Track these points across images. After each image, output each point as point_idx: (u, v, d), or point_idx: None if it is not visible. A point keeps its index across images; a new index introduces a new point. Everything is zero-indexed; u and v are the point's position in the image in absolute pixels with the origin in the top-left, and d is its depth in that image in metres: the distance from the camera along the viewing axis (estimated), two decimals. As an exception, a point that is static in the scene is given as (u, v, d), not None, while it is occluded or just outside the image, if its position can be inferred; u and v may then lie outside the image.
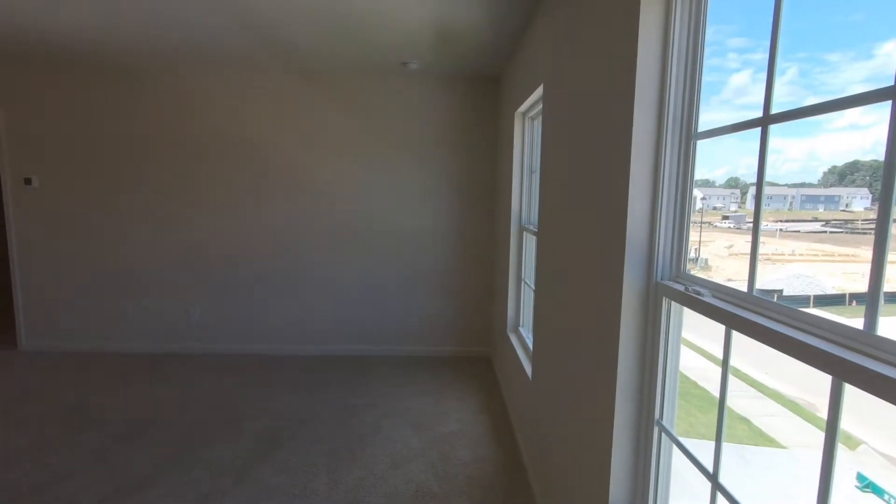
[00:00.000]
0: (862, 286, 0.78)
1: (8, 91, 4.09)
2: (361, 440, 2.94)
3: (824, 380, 0.81)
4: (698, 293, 1.14)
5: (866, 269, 0.76)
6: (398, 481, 2.54)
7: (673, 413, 1.31)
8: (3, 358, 4.16)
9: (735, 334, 1.06)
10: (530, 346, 2.93)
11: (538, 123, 3.08)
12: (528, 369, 2.72)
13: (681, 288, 1.21)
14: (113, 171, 4.19)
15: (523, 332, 3.30)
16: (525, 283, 3.34)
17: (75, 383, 3.68)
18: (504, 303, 3.65)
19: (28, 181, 4.18)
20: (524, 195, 3.34)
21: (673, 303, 1.28)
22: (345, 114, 4.16)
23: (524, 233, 3.32)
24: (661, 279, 1.31)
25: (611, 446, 1.38)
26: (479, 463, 2.73)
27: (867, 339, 0.76)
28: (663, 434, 1.32)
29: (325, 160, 4.21)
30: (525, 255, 3.34)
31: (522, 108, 3.09)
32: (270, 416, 3.22)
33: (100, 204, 4.23)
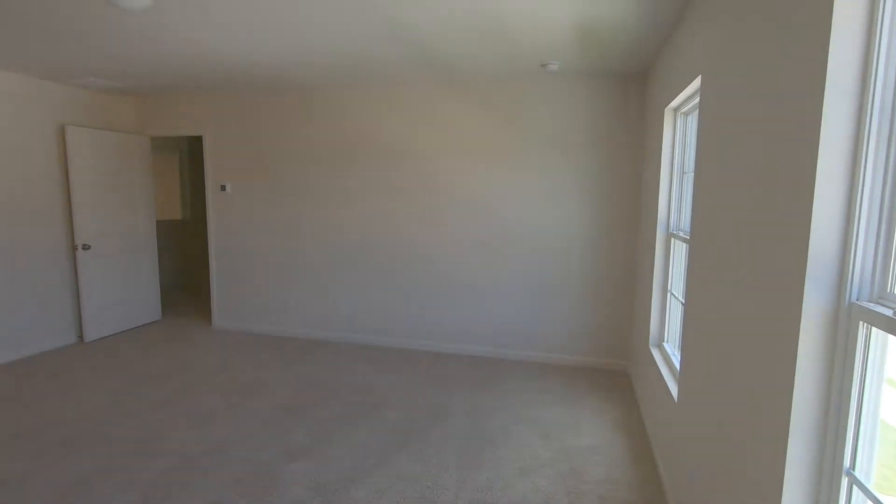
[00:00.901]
0: None
1: (210, 117, 4.98)
2: (492, 442, 2.96)
3: None
4: (913, 320, 0.92)
5: None
6: (526, 489, 2.50)
7: (870, 463, 1.07)
8: (201, 334, 5.07)
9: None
10: (676, 364, 2.67)
11: (693, 119, 2.80)
12: (674, 390, 2.48)
13: (887, 312, 0.99)
14: (286, 178, 4.85)
15: (668, 349, 3.02)
16: (672, 294, 3.05)
17: (252, 360, 4.33)
18: (647, 315, 3.38)
19: (223, 188, 5.05)
20: (673, 198, 3.05)
21: (874, 329, 1.05)
22: (483, 119, 4.24)
23: (672, 239, 3.04)
24: (857, 299, 1.09)
25: (780, 493, 1.18)
26: (613, 484, 2.56)
27: None
28: (854, 486, 1.09)
29: (464, 165, 4.34)
30: (672, 264, 3.05)
31: (674, 103, 2.83)
32: (407, 407, 3.42)
33: (275, 206, 4.92)
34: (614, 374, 4.11)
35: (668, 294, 3.11)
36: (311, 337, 4.95)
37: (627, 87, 3.93)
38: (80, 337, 4.76)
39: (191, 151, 7.18)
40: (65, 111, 4.56)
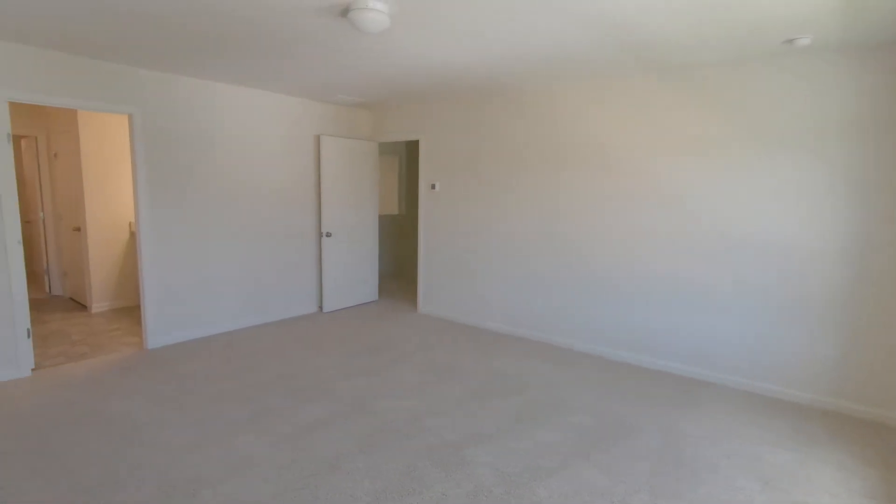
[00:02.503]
0: None
1: (425, 122, 5.55)
2: (692, 474, 2.61)
3: None
4: None
5: None
6: (735, 537, 2.14)
7: None
8: (408, 317, 5.70)
9: None
10: (984, 427, 1.94)
11: None
12: (977, 461, 1.81)
13: None
14: (488, 177, 5.11)
15: (969, 405, 2.23)
16: (981, 332, 2.23)
17: (448, 345, 4.69)
18: (932, 355, 2.55)
19: (433, 187, 5.57)
20: None
21: None
22: (702, 110, 3.76)
23: None
24: None
25: None
26: (863, 562, 2.01)
27: None
28: None
29: (677, 162, 3.92)
30: (985, 291, 2.23)
31: None
32: (593, 414, 3.26)
33: (477, 205, 5.23)
34: (869, 424, 3.21)
35: (974, 331, 2.28)
36: (503, 331, 5.11)
37: (919, 56, 3.01)
38: (320, 308, 5.84)
39: (408, 154, 8.12)
40: (320, 123, 5.64)
